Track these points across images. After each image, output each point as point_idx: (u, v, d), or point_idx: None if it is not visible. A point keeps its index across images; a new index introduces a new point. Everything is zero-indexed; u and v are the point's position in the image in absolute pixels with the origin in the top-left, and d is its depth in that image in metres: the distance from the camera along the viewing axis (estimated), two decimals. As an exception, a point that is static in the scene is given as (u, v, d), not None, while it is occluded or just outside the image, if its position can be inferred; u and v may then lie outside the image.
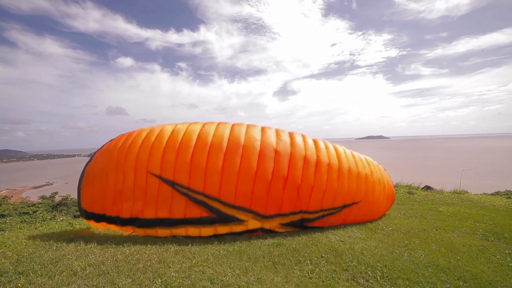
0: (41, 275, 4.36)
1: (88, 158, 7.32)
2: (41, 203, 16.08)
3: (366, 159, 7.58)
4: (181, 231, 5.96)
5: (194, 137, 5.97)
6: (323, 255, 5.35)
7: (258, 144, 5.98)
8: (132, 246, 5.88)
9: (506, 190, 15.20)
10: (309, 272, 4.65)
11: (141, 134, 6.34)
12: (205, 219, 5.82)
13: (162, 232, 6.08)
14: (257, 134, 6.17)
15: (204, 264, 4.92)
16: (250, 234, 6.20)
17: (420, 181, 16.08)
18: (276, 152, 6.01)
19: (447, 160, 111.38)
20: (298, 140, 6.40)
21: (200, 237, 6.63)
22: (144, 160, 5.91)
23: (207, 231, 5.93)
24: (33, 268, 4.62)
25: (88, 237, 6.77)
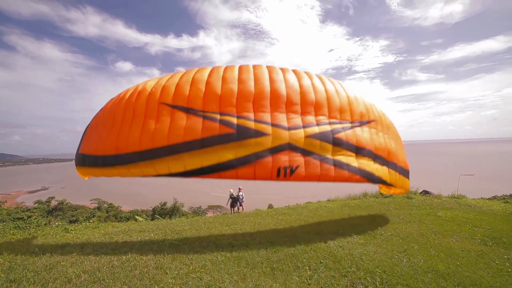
0: (34, 282, 4.27)
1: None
2: (36, 208, 15.89)
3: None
4: (195, 160, 5.24)
5: (206, 73, 5.98)
6: (321, 260, 5.30)
7: (267, 72, 6.13)
8: (129, 252, 5.79)
9: (503, 195, 15.32)
10: (308, 278, 4.59)
11: (151, 79, 6.31)
12: (224, 136, 5.25)
13: (174, 165, 5.30)
14: (264, 67, 6.33)
15: (201, 270, 4.85)
16: (277, 156, 5.40)
17: (418, 186, 16.12)
18: (285, 77, 6.13)
19: (444, 165, 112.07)
20: (302, 72, 6.62)
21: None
22: (156, 94, 5.72)
23: (226, 153, 5.23)
24: (26, 275, 4.52)
25: (83, 243, 6.66)
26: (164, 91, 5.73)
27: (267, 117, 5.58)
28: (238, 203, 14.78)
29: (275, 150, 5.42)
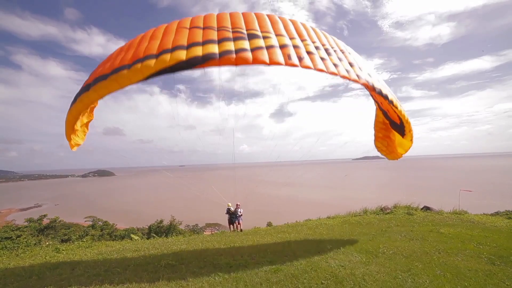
0: (19, 308, 4.02)
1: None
2: (27, 227, 15.32)
3: None
4: (212, 48, 5.55)
5: (216, 13, 7.11)
6: (323, 281, 5.08)
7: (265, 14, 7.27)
8: (123, 273, 5.53)
9: (506, 210, 15.06)
10: (310, 301, 4.37)
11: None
12: (237, 37, 6.00)
13: (192, 52, 5.44)
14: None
15: (197, 293, 4.62)
16: (285, 48, 5.97)
17: (418, 202, 15.91)
18: (282, 18, 7.12)
19: (443, 180, 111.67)
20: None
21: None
22: (174, 24, 6.40)
23: (241, 44, 5.77)
24: (11, 300, 4.27)
25: (74, 263, 6.38)
26: (182, 22, 6.47)
27: (271, 31, 6.40)
28: (237, 221, 14.33)
29: (283, 46, 5.99)
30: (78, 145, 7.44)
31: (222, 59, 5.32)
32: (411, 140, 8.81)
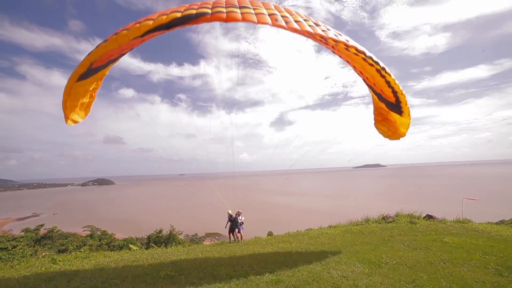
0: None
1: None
2: (23, 237, 15.07)
3: None
4: (206, 10, 6.01)
5: None
6: (326, 293, 4.94)
7: None
8: (120, 285, 5.40)
9: (511, 219, 14.83)
10: (312, 314, 4.24)
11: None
12: (229, 5, 6.36)
13: (188, 11, 5.95)
14: None
15: (196, 306, 4.49)
16: (272, 15, 6.28)
17: (421, 210, 15.68)
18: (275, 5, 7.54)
19: (445, 187, 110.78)
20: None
21: (196, 276, 6.14)
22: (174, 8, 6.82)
23: (232, 10, 6.18)
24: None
25: (71, 275, 6.24)
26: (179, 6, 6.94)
27: (262, 6, 6.69)
28: (237, 229, 13.98)
29: (271, 14, 6.34)
30: (75, 121, 7.36)
31: (213, 16, 5.77)
32: (409, 115, 8.99)
